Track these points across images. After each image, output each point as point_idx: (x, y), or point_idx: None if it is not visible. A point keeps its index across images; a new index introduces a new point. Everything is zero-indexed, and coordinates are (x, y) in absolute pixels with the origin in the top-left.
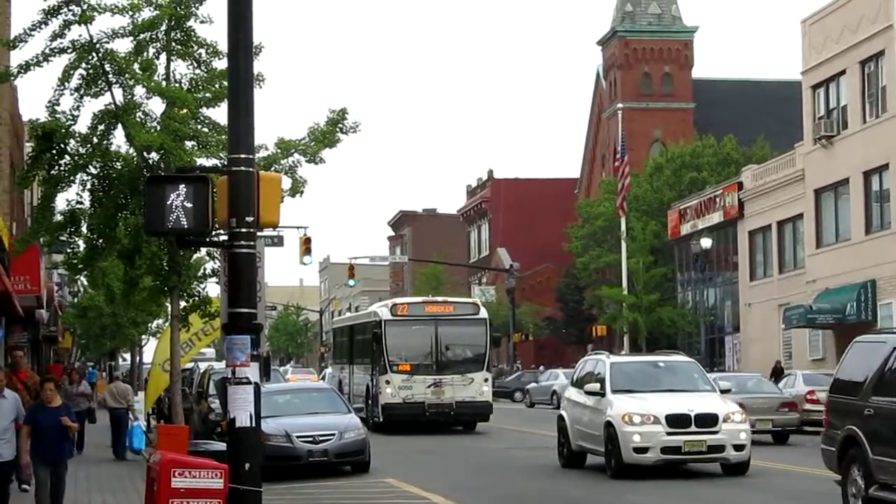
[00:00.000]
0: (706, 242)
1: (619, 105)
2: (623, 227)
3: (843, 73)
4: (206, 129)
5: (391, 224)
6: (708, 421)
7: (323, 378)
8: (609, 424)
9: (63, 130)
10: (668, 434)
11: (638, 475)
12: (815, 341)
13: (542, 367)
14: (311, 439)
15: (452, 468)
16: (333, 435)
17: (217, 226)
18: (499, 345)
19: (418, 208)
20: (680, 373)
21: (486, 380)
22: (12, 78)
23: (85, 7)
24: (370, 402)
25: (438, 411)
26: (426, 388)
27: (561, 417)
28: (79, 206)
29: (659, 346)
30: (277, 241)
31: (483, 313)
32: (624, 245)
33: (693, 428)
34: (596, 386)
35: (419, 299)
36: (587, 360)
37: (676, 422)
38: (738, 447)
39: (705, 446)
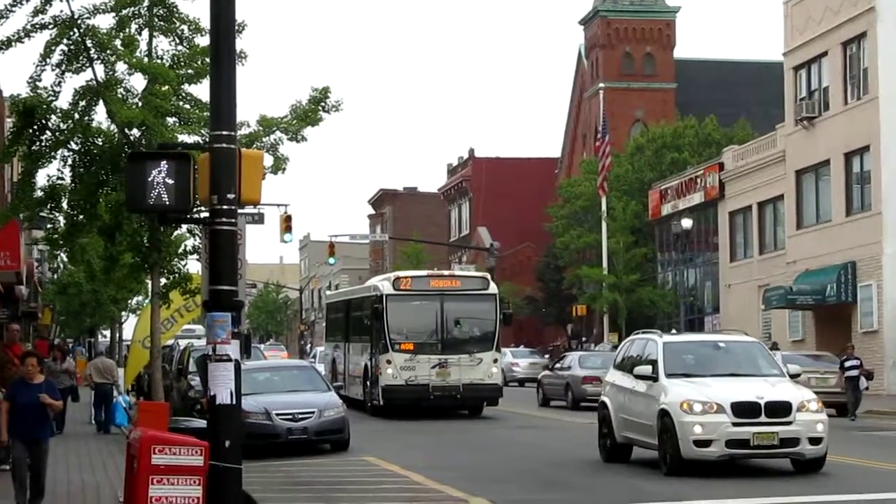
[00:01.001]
0: (686, 223)
1: (601, 85)
2: (604, 208)
3: (824, 54)
4: (187, 106)
5: (372, 202)
6: (780, 410)
7: (313, 357)
8: (664, 413)
9: (44, 106)
10: (735, 425)
11: (697, 472)
12: (795, 322)
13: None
14: (290, 417)
15: (438, 449)
16: (313, 413)
17: (198, 203)
18: (509, 322)
19: (399, 187)
20: (743, 354)
21: (495, 360)
22: None
23: None
24: (368, 383)
25: (444, 394)
26: (431, 368)
27: (603, 405)
28: (59, 181)
29: (637, 326)
30: (258, 219)
31: (493, 288)
32: (604, 225)
33: (763, 418)
34: (647, 369)
35: (423, 273)
36: (634, 340)
37: (744, 411)
38: (815, 440)
39: (777, 439)
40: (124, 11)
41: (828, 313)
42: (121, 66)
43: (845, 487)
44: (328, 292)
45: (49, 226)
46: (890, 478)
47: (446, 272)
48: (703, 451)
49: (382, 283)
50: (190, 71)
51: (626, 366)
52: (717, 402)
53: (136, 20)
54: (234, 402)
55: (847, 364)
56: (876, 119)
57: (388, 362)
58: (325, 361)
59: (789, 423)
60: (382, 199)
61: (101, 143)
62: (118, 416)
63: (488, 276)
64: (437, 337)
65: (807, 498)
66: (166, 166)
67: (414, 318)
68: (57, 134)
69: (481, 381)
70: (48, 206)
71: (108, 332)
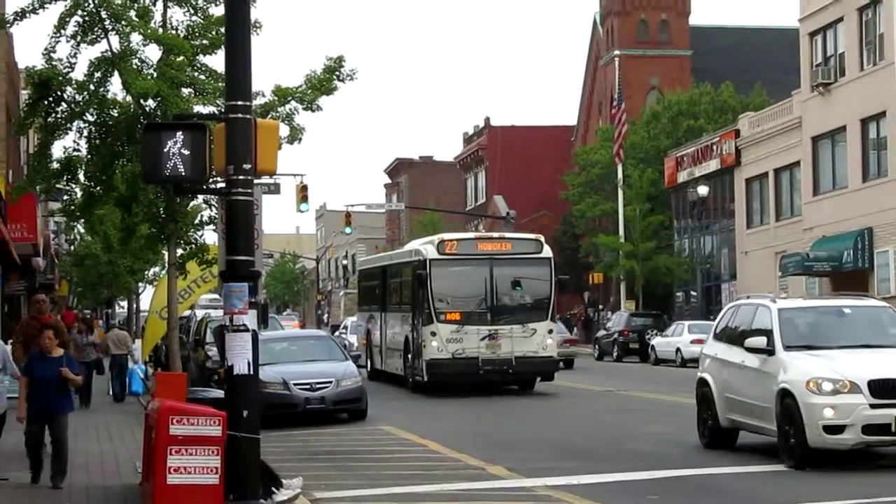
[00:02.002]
0: (703, 190)
1: (616, 52)
2: (620, 175)
3: (840, 20)
4: (202, 77)
5: (387, 171)
6: None
7: (345, 328)
8: (785, 394)
9: (59, 78)
10: (873, 407)
11: (827, 463)
12: (812, 289)
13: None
14: (308, 387)
15: (458, 418)
16: (331, 382)
17: (214, 173)
18: (565, 289)
19: (415, 156)
20: (872, 322)
21: (550, 331)
22: (8, 25)
23: None
24: (410, 357)
25: (494, 368)
26: (480, 340)
27: (703, 382)
28: (76, 153)
29: (654, 293)
30: (274, 189)
31: (547, 251)
32: (620, 193)
33: None
34: (761, 340)
35: (471, 235)
36: (739, 306)
37: (884, 390)
38: None
39: None
40: None
41: (844, 279)
42: (135, 37)
43: None
44: (361, 258)
45: (66, 197)
46: None
47: (495, 234)
48: (835, 438)
49: (425, 247)
50: (205, 41)
51: (732, 336)
52: (850, 379)
53: None
54: (251, 372)
55: None
56: (891, 85)
57: (433, 334)
58: (358, 333)
59: None
60: (398, 169)
61: (116, 115)
62: (134, 384)
63: (542, 238)
64: (486, 305)
65: None
66: (182, 137)
67: (461, 285)
68: (73, 105)
69: (535, 354)
70: (65, 178)
71: (125, 304)
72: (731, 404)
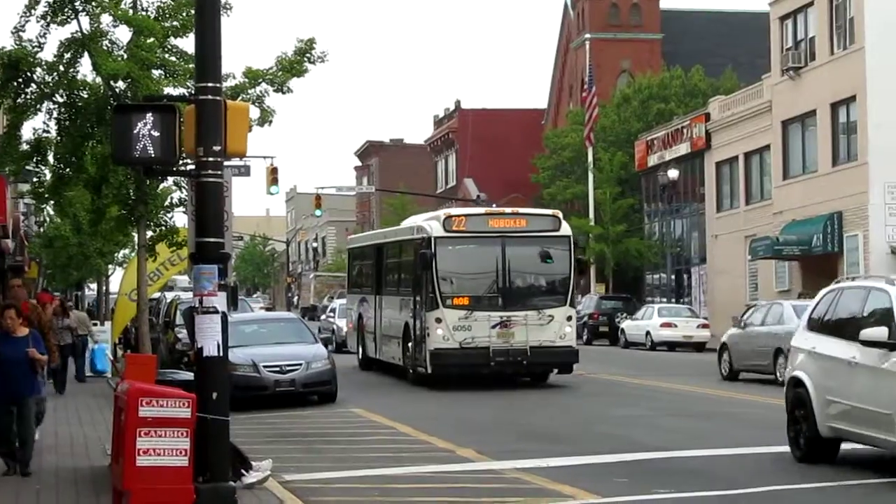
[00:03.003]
0: (673, 174)
1: (587, 36)
2: (590, 158)
3: (811, 4)
4: (173, 58)
5: (358, 154)
6: None
7: (332, 312)
8: None
9: (29, 59)
10: None
11: None
12: (782, 273)
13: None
14: (278, 369)
15: (427, 401)
16: (300, 365)
17: (184, 155)
18: (585, 271)
19: (385, 138)
20: None
21: (569, 318)
22: None
23: None
24: (411, 345)
25: (507, 360)
26: (490, 328)
27: (796, 381)
28: (45, 134)
29: (624, 277)
30: (244, 171)
31: (565, 229)
32: (591, 176)
33: None
34: (881, 332)
35: (481, 210)
36: (842, 290)
37: None
38: None
39: None
40: None
41: (814, 263)
42: (106, 18)
43: None
44: (351, 236)
45: (35, 179)
46: None
47: (508, 209)
48: None
49: (430, 224)
50: (175, 23)
51: (836, 326)
52: None
53: None
54: (221, 354)
55: None
56: (862, 69)
57: (438, 321)
58: (348, 317)
59: None
60: (369, 151)
61: (86, 96)
62: (98, 363)
63: (559, 214)
64: (497, 289)
65: None
66: (152, 118)
67: (469, 266)
68: (42, 86)
69: (552, 344)
70: (34, 160)
71: (94, 286)
72: (834, 410)
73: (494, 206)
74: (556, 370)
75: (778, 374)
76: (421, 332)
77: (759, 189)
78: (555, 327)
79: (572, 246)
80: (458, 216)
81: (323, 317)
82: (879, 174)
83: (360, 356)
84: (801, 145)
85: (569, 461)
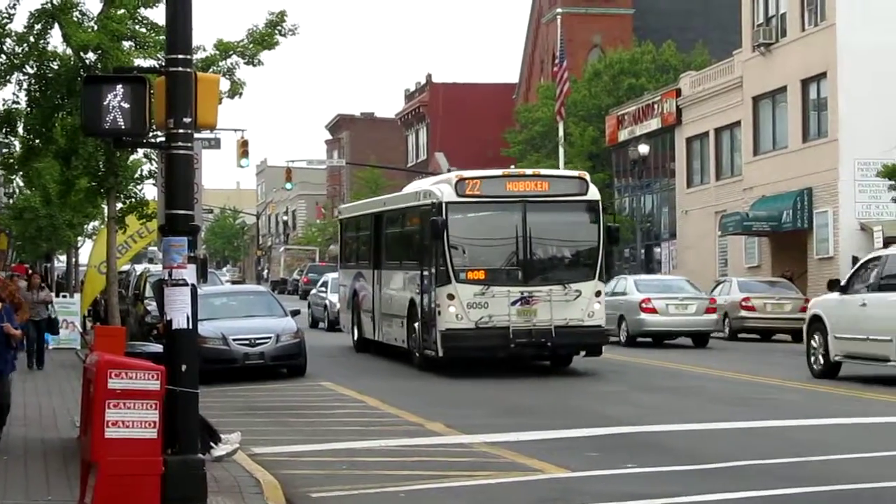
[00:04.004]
0: (644, 149)
1: (559, 10)
2: (561, 133)
3: None
4: (143, 30)
5: (329, 128)
6: None
7: (323, 286)
8: None
9: None
10: None
11: None
12: (751, 249)
13: None
14: (247, 342)
15: (399, 374)
16: (270, 338)
17: (154, 127)
18: (617, 241)
19: (356, 112)
20: None
21: (598, 294)
22: None
23: None
24: (417, 325)
25: (529, 341)
26: (510, 305)
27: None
28: (15, 105)
29: None
30: (215, 144)
31: (593, 192)
32: (562, 151)
33: None
34: None
35: (498, 172)
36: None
37: None
38: None
39: None
40: None
41: (783, 239)
42: None
43: None
44: (342, 205)
45: (4, 150)
46: None
47: (529, 171)
48: None
49: (440, 188)
50: None
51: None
52: None
53: None
54: (190, 326)
55: None
56: (833, 45)
57: (450, 297)
58: (341, 294)
59: None
60: (339, 125)
61: (56, 67)
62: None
63: (587, 176)
64: (518, 261)
65: None
66: (122, 90)
67: (486, 236)
68: (12, 57)
69: (580, 323)
70: (3, 131)
71: (64, 258)
72: None
73: (513, 167)
74: (583, 352)
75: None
76: (430, 311)
77: (729, 165)
78: (582, 304)
79: (601, 212)
80: (473, 179)
81: (313, 291)
82: (849, 151)
83: (356, 337)
84: (771, 121)
85: (539, 435)
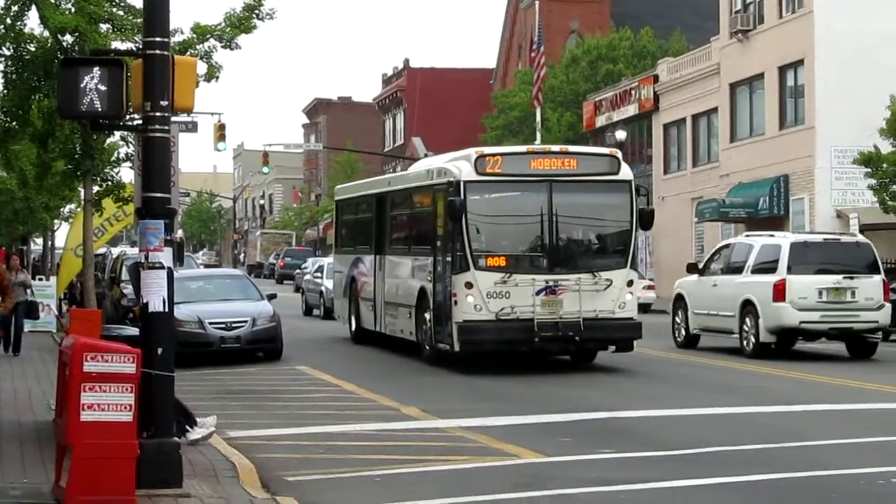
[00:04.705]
0: (621, 135)
1: None
2: (538, 119)
3: None
4: (121, 13)
5: (306, 112)
6: None
7: (318, 272)
8: None
9: None
10: None
11: None
12: (728, 235)
13: None
14: (223, 326)
15: (373, 360)
16: (246, 322)
17: (131, 110)
18: (650, 225)
19: (333, 96)
20: None
21: (630, 283)
22: None
23: None
24: (428, 317)
25: (554, 335)
26: (534, 295)
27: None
28: None
29: None
30: (192, 127)
31: (626, 172)
32: (539, 136)
33: None
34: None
35: (521, 148)
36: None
37: None
38: None
39: None
40: None
41: (760, 226)
42: None
43: None
44: (339, 186)
45: None
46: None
47: (556, 147)
48: None
49: (458, 165)
50: None
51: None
52: None
53: None
54: (166, 309)
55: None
56: (810, 33)
57: (468, 286)
58: (336, 280)
59: None
60: (317, 109)
61: (33, 49)
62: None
63: (618, 154)
64: (542, 246)
65: None
66: (99, 72)
67: (508, 219)
68: None
69: (611, 315)
70: None
71: (40, 241)
72: None
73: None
74: (612, 348)
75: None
76: (444, 300)
77: (706, 151)
78: (613, 294)
79: (634, 193)
80: (494, 155)
81: (307, 276)
82: (826, 138)
83: (354, 327)
84: (748, 108)
85: (514, 420)
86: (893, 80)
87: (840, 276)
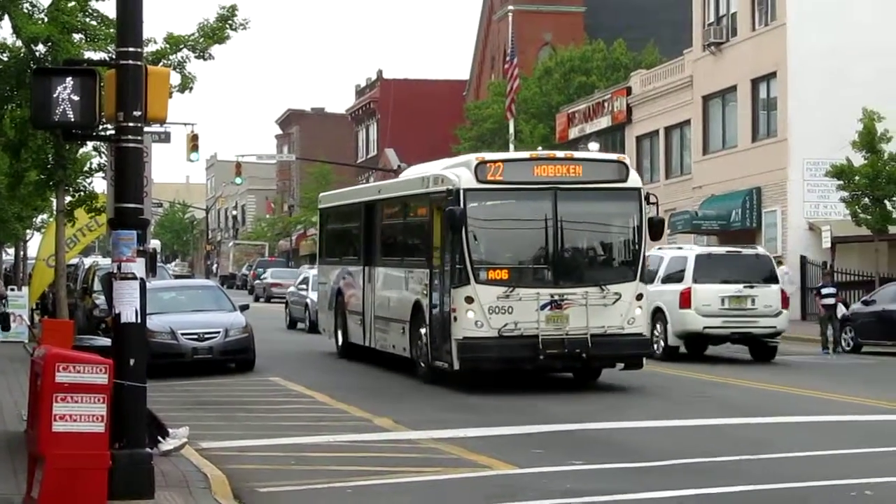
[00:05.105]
0: (594, 147)
1: (510, 7)
2: (511, 130)
3: None
4: (94, 23)
5: (279, 122)
6: None
7: (303, 284)
8: None
9: None
10: None
11: None
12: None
13: None
14: (196, 336)
15: (348, 372)
16: (219, 332)
17: (104, 120)
18: (660, 235)
19: (307, 107)
20: None
21: (639, 297)
22: None
23: None
24: (424, 332)
25: (560, 352)
26: (539, 310)
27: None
28: None
29: None
30: (164, 138)
31: (634, 179)
32: (512, 147)
33: None
34: None
35: (524, 154)
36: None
37: None
38: None
39: None
40: None
41: (732, 238)
42: None
43: None
44: (324, 193)
45: None
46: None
47: (560, 153)
48: None
49: (456, 172)
50: None
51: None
52: None
53: None
54: (138, 320)
55: (824, 291)
56: (783, 45)
57: (469, 300)
58: (321, 293)
59: None
60: (290, 120)
61: (6, 59)
62: None
63: (626, 160)
64: (547, 258)
65: None
66: (72, 82)
67: (510, 228)
68: None
69: (620, 331)
70: None
71: (12, 251)
72: None
73: (541, 148)
74: (620, 365)
75: None
76: (442, 316)
77: (678, 163)
78: (622, 308)
79: (642, 201)
80: (495, 162)
81: (292, 288)
82: (799, 151)
83: (340, 342)
84: (721, 120)
85: (486, 432)
86: (866, 93)
87: (741, 286)
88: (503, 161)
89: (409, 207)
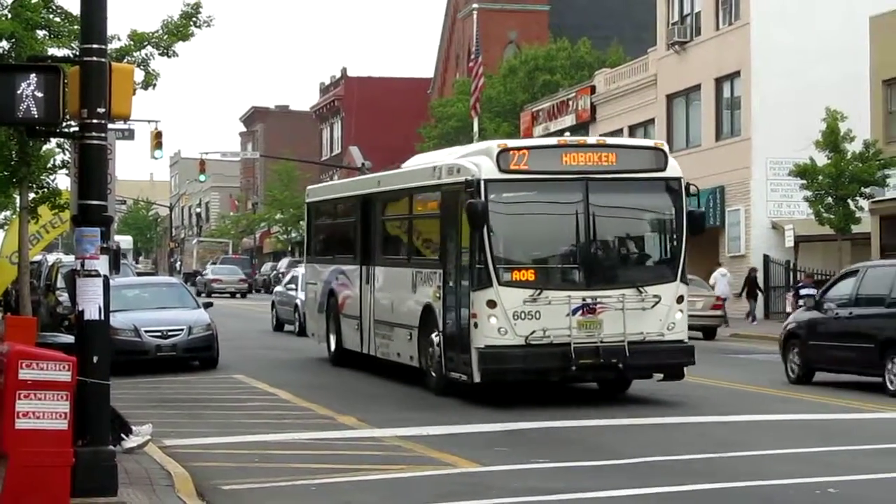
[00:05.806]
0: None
1: (475, 6)
2: (476, 129)
3: None
4: (58, 19)
5: (243, 120)
6: None
7: (291, 283)
8: None
9: None
10: None
11: None
12: None
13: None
14: (159, 334)
15: (315, 370)
16: (182, 330)
17: (68, 117)
18: (701, 229)
19: (271, 105)
20: None
21: (679, 299)
22: None
23: None
24: (437, 339)
25: (595, 362)
26: (569, 315)
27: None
28: None
29: None
30: (128, 135)
31: (674, 168)
32: None
33: None
34: None
35: (552, 141)
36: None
37: None
38: None
39: None
40: None
41: (696, 237)
42: None
43: None
44: (312, 186)
45: None
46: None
47: (591, 138)
48: None
49: (476, 161)
50: None
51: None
52: None
53: None
54: (102, 317)
55: (802, 292)
56: (747, 45)
57: (491, 304)
58: (310, 294)
59: None
60: (254, 117)
61: None
62: None
63: (665, 147)
64: (578, 258)
65: None
66: (36, 79)
67: (537, 224)
68: None
69: (659, 338)
70: None
71: None
72: None
73: (568, 134)
74: (659, 376)
75: None
76: (457, 321)
77: None
78: (661, 312)
79: (684, 193)
80: (519, 149)
81: (279, 288)
82: (762, 150)
83: (333, 347)
84: (685, 119)
85: (450, 430)
86: (829, 93)
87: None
88: (528, 148)
89: (418, 201)
